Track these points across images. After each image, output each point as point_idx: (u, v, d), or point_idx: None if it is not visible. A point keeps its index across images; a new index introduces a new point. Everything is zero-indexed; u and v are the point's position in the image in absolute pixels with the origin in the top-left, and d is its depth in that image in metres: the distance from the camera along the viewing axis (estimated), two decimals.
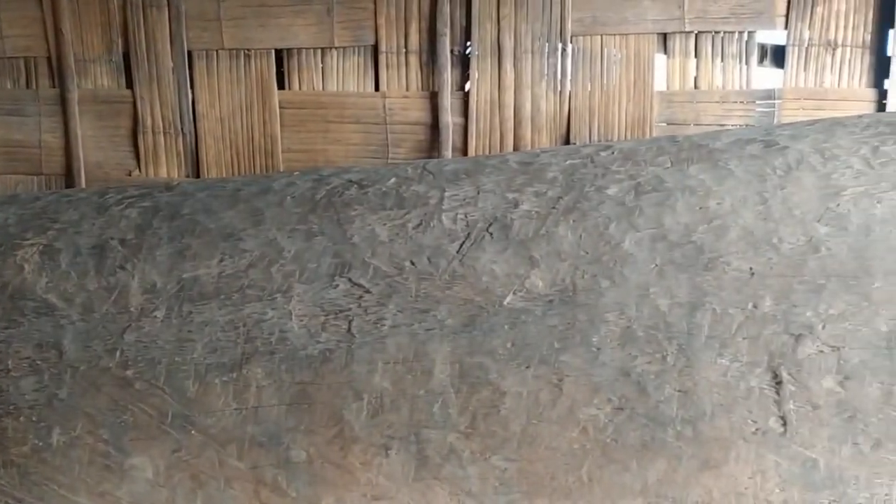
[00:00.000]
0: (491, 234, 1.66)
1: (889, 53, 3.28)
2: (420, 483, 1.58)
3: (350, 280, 1.64)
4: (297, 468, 1.58)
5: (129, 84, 3.46)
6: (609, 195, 1.67)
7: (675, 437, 1.51)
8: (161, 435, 1.59)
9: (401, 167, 1.88)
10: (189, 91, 3.43)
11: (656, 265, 1.57)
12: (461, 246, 1.65)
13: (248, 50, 3.41)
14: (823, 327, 1.48)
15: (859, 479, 1.47)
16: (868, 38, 3.29)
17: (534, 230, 1.64)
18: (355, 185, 1.80)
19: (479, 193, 1.73)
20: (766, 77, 3.54)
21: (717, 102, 3.39)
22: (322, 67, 3.47)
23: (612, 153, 1.79)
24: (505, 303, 1.59)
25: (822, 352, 1.47)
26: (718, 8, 3.34)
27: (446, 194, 1.74)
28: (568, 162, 1.78)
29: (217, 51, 3.42)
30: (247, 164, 3.44)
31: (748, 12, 3.32)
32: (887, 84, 3.28)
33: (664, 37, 3.41)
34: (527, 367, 1.55)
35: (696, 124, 3.41)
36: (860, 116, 1.80)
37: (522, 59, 3.37)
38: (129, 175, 3.51)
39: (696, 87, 3.42)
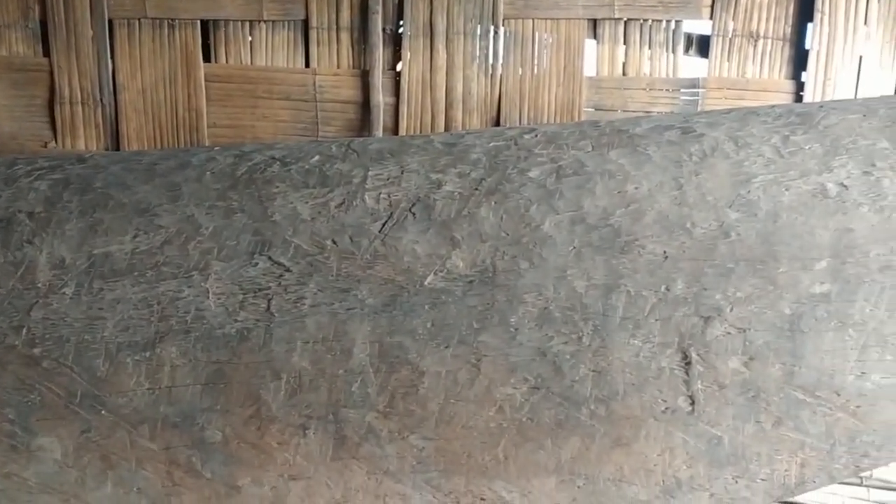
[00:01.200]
0: (414, 214, 1.65)
1: (807, 46, 3.40)
2: (338, 462, 1.58)
3: (270, 258, 1.62)
4: (212, 448, 1.55)
5: (46, 52, 3.33)
6: (531, 178, 1.69)
7: (588, 415, 1.54)
8: (70, 415, 1.54)
9: (325, 145, 1.86)
10: (109, 61, 3.32)
11: (574, 247, 1.60)
12: (383, 226, 1.64)
13: (172, 20, 3.30)
14: (731, 310, 1.53)
15: (761, 456, 1.54)
16: (788, 30, 3.41)
17: (456, 211, 1.65)
18: (278, 162, 1.77)
19: (402, 173, 1.72)
20: (692, 66, 3.63)
21: (643, 90, 3.46)
22: (250, 41, 3.40)
23: (536, 136, 1.81)
24: (426, 283, 1.59)
25: (729, 333, 1.53)
26: None
27: (370, 173, 1.72)
28: (492, 144, 1.79)
29: (139, 19, 3.31)
30: (170, 139, 3.35)
31: (676, 2, 3.39)
32: (805, 76, 3.41)
33: (594, 23, 3.46)
34: (446, 347, 1.56)
35: (624, 111, 3.48)
36: (773, 106, 1.86)
37: (454, 41, 3.37)
38: (45, 147, 3.37)
39: (624, 73, 3.49)
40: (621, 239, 1.60)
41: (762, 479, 1.56)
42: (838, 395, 1.51)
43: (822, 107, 1.83)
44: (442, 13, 3.36)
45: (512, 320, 1.56)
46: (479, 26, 3.38)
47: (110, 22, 3.28)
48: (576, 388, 1.54)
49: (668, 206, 1.62)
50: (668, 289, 1.56)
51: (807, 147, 1.68)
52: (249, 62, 3.39)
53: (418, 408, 1.56)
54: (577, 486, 1.58)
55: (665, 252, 1.58)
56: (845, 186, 1.61)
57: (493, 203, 1.66)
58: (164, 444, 1.54)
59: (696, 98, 3.47)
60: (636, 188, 1.65)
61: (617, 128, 1.82)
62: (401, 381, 1.56)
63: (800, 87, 3.38)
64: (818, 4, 3.30)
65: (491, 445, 1.56)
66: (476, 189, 1.68)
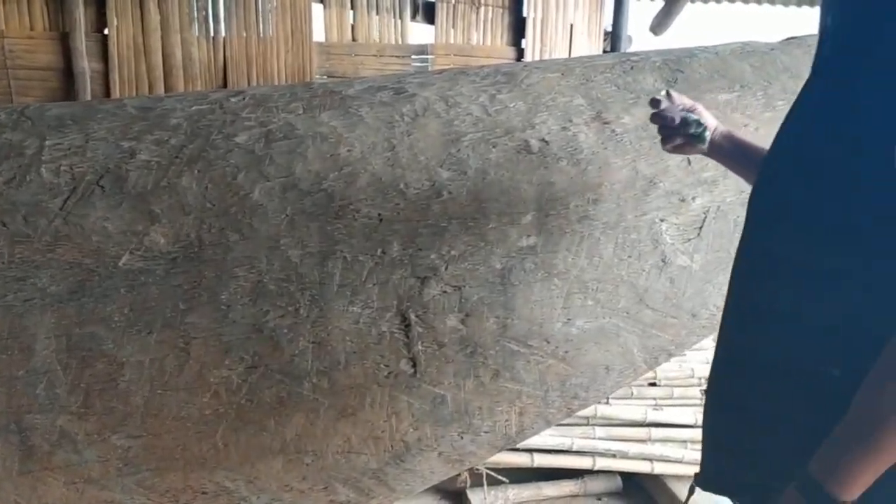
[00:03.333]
0: (102, 187, 1.46)
1: (525, 14, 3.58)
2: (27, 476, 1.38)
3: None
4: None
5: None
6: (238, 143, 1.57)
7: (311, 389, 1.47)
8: None
9: None
10: None
11: (287, 215, 1.51)
12: (65, 202, 1.44)
13: None
14: (446, 268, 1.54)
15: (482, 410, 1.57)
16: None
17: (153, 182, 1.49)
18: None
19: (88, 142, 1.52)
20: (421, 33, 3.67)
21: (374, 56, 3.44)
22: None
23: (243, 99, 1.68)
24: (120, 264, 1.42)
25: (445, 292, 1.53)
26: None
27: (47, 143, 1.50)
28: (194, 108, 1.64)
29: None
30: None
31: None
32: (524, 42, 3.59)
33: None
34: (148, 333, 1.41)
35: (356, 77, 3.43)
36: (482, 67, 1.89)
37: (168, 1, 3.10)
38: None
39: (354, 39, 3.44)
40: (335, 204, 1.54)
41: (485, 432, 1.59)
42: (548, 342, 1.58)
43: (525, 66, 1.89)
44: None
45: (223, 297, 1.45)
46: None
47: None
48: (296, 363, 1.47)
49: (382, 167, 1.59)
50: (384, 252, 1.53)
51: (511, 105, 1.73)
52: None
53: (120, 404, 1.40)
54: (306, 463, 1.51)
55: (380, 215, 1.54)
56: (546, 142, 1.67)
57: (195, 172, 1.51)
58: None
59: (425, 64, 3.52)
60: (349, 151, 1.60)
61: (329, 89, 1.74)
62: (96, 376, 1.38)
63: (521, 53, 3.55)
64: None
65: (208, 434, 1.44)
66: (176, 157, 1.53)
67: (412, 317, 1.51)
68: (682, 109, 1.41)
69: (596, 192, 1.64)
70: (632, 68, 1.90)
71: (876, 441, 0.87)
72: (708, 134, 1.39)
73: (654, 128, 1.47)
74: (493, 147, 1.65)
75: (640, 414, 2.70)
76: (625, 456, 2.66)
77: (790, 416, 1.04)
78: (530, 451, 2.62)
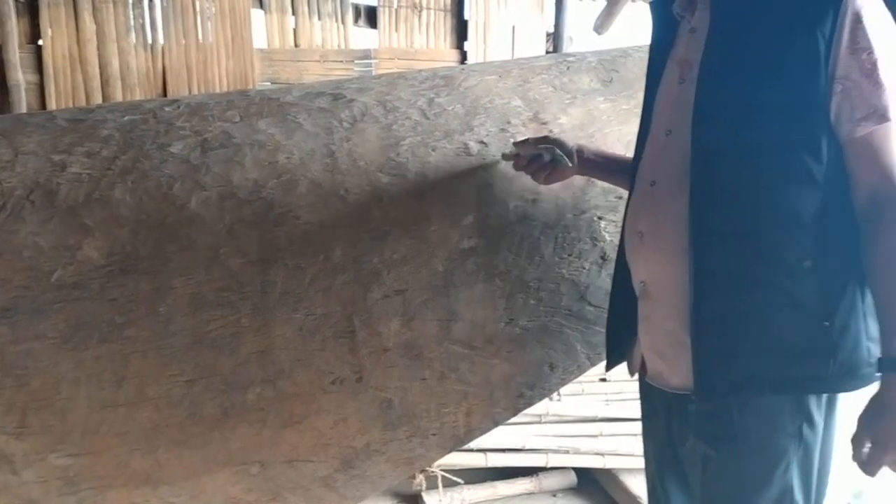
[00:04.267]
0: (32, 202, 1.43)
1: (466, 17, 3.60)
2: None
3: None
4: None
5: None
6: (173, 153, 1.55)
7: (255, 399, 1.46)
8: None
9: None
10: None
11: (225, 224, 1.49)
12: None
13: None
14: (388, 273, 1.54)
15: (430, 412, 1.58)
16: (448, 2, 3.57)
17: (85, 195, 1.46)
18: None
19: (17, 156, 1.48)
20: (364, 37, 3.67)
21: (317, 61, 3.42)
22: None
23: (178, 108, 1.66)
24: (53, 279, 1.39)
25: (388, 296, 1.53)
26: None
27: None
28: (127, 118, 1.61)
29: None
30: None
31: None
32: (467, 45, 3.61)
33: None
34: (85, 349, 1.38)
35: (300, 83, 3.41)
36: (420, 71, 1.90)
37: (103, 10, 3.04)
38: None
39: (296, 45, 3.42)
40: (275, 211, 1.53)
41: (433, 434, 1.60)
42: (491, 343, 1.60)
43: (463, 70, 1.91)
44: None
45: (161, 310, 1.43)
46: None
47: None
48: (239, 373, 1.45)
49: (321, 174, 1.58)
50: (326, 258, 1.52)
51: (450, 108, 1.74)
52: None
53: (58, 422, 1.37)
54: (252, 474, 1.50)
55: (321, 221, 1.54)
56: (485, 144, 1.69)
57: (129, 183, 1.49)
58: None
59: (369, 69, 3.52)
60: (288, 158, 1.59)
61: (267, 97, 1.73)
62: (33, 394, 1.35)
63: (464, 55, 3.57)
64: None
65: (149, 450, 1.42)
66: (108, 169, 1.50)
67: (356, 322, 1.51)
68: (536, 145, 1.56)
69: (535, 193, 1.66)
70: (568, 69, 1.92)
71: None
72: (566, 158, 1.55)
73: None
74: (433, 150, 1.66)
75: (592, 410, 2.74)
76: (577, 452, 2.69)
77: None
78: (484, 451, 2.64)
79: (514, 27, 3.59)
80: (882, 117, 1.14)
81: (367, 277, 1.53)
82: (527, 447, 2.61)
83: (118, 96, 3.07)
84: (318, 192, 1.56)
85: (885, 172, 1.14)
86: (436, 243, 1.58)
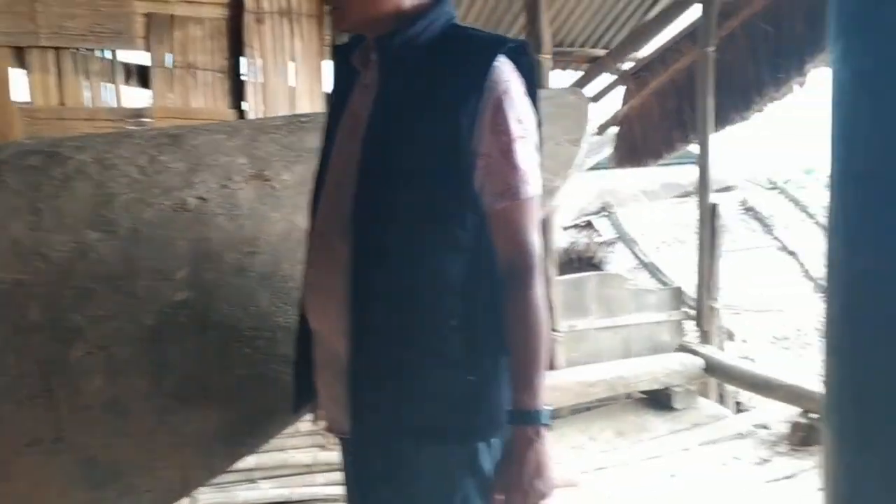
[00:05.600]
0: None
1: (243, 78, 3.66)
2: None
3: None
4: None
5: None
6: None
7: None
8: None
9: None
10: None
11: None
12: None
13: None
14: (92, 329, 1.53)
15: (141, 467, 1.56)
16: (225, 63, 3.62)
17: None
18: None
19: None
20: (138, 96, 3.63)
21: (85, 120, 3.34)
22: None
23: None
24: None
25: (90, 353, 1.52)
26: (75, 24, 3.30)
27: None
28: None
29: None
30: None
31: (107, 31, 3.35)
32: (245, 105, 3.66)
33: (20, 50, 3.24)
34: None
35: (13, 140, 3.30)
36: (148, 129, 1.93)
37: None
38: None
39: (62, 104, 3.33)
40: None
41: (147, 491, 1.58)
42: (206, 393, 1.61)
43: (193, 129, 1.95)
44: None
45: None
46: None
47: None
48: None
49: (23, 232, 1.56)
50: (23, 317, 1.49)
51: (172, 165, 1.77)
52: None
53: None
54: None
55: (16, 280, 1.51)
56: (204, 199, 1.73)
57: None
58: None
59: (145, 127, 3.47)
60: None
61: None
62: None
63: (242, 115, 3.61)
64: (247, 40, 3.57)
65: None
66: None
67: (55, 381, 1.49)
68: None
69: (252, 245, 1.72)
70: (299, 129, 2.02)
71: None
72: None
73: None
74: (149, 206, 1.68)
75: None
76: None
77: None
78: None
79: (293, 89, 3.68)
80: (515, 195, 1.25)
81: (68, 335, 1.51)
82: (293, 499, 2.61)
83: None
84: (18, 249, 1.54)
85: (519, 244, 1.26)
86: (146, 298, 1.59)
